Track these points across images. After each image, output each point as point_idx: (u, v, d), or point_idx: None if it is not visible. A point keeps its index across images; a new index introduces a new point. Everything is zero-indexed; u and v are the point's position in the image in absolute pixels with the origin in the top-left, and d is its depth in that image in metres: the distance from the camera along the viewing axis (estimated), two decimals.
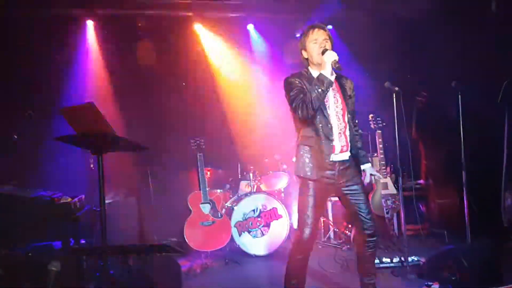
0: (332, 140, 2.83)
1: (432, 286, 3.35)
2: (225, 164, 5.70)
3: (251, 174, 5.10)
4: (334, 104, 2.90)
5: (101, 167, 2.82)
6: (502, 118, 3.69)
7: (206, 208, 4.57)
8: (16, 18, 5.14)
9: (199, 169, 4.66)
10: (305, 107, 2.74)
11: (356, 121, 3.08)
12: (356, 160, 2.96)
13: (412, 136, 5.24)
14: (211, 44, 6.14)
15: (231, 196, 5.21)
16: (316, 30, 2.91)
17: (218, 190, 4.90)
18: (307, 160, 2.87)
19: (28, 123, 4.06)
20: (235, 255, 4.62)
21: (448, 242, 4.56)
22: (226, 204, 4.87)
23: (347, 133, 2.91)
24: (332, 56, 2.72)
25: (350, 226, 4.93)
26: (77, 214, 3.55)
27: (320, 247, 4.87)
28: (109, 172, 3.02)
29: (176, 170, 5.64)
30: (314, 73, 2.90)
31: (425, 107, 5.19)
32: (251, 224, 4.71)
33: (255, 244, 4.67)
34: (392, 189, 4.79)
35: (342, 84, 2.98)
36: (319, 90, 2.71)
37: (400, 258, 3.94)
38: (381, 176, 4.57)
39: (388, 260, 3.96)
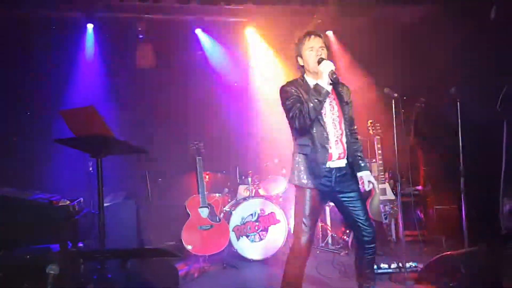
0: (328, 148, 2.82)
1: None
2: (224, 168, 5.70)
3: (249, 179, 5.09)
4: (330, 112, 2.88)
5: (100, 170, 2.82)
6: (501, 124, 3.69)
7: (204, 212, 4.56)
8: (17, 21, 5.14)
9: (198, 173, 4.64)
10: (302, 118, 2.73)
11: (355, 127, 3.06)
12: (352, 167, 2.94)
13: (410, 142, 5.24)
14: (211, 48, 6.15)
15: (229, 200, 5.21)
16: (312, 37, 2.87)
17: (217, 194, 4.89)
18: (302, 168, 2.86)
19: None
20: (233, 260, 4.61)
21: (446, 248, 4.55)
22: (224, 208, 4.87)
23: (344, 140, 2.90)
24: (328, 66, 2.68)
25: (348, 231, 4.93)
26: (76, 217, 3.53)
27: (318, 252, 4.86)
28: (107, 175, 3.02)
29: (175, 174, 5.64)
30: (310, 80, 2.88)
31: (424, 113, 5.20)
32: (249, 229, 4.70)
33: (253, 249, 4.66)
34: (390, 195, 4.79)
35: (338, 91, 2.95)
36: (316, 100, 2.69)
37: (398, 264, 3.92)
38: (377, 185, 4.57)
39: (386, 266, 3.95)
